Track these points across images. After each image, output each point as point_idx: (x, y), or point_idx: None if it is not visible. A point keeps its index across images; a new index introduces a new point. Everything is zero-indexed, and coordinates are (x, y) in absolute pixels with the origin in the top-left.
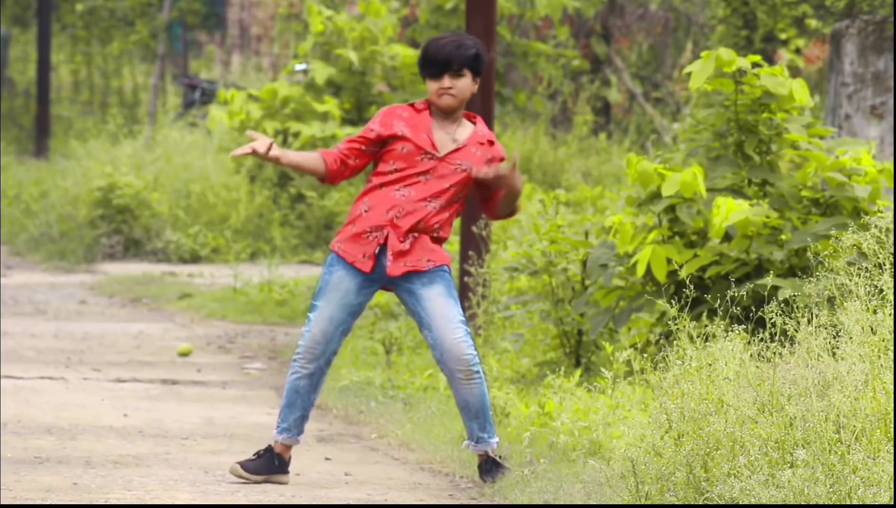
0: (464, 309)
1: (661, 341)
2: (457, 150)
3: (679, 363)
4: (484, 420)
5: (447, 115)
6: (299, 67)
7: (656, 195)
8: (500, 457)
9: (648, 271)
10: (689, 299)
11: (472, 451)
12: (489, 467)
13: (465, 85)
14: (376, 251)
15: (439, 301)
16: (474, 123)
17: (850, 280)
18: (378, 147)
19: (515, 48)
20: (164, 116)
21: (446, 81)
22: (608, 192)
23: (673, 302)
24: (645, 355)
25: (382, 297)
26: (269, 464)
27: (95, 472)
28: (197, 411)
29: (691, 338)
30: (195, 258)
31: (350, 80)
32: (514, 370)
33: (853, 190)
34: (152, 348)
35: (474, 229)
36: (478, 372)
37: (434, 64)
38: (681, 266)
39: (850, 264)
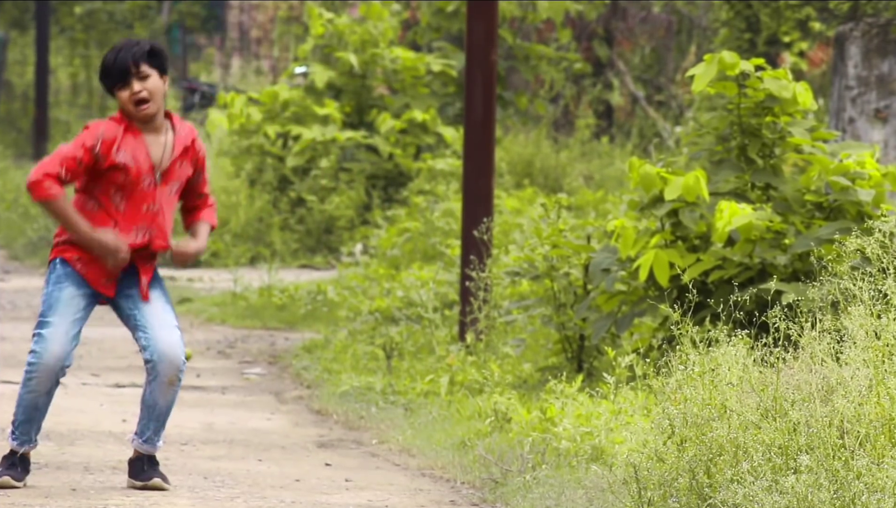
0: (465, 314)
1: (664, 346)
2: (170, 168)
3: (682, 368)
4: (160, 425)
5: (149, 124)
6: (299, 70)
7: (659, 199)
8: (153, 458)
9: (651, 275)
10: (692, 304)
11: (139, 448)
12: (141, 467)
13: (155, 85)
14: (119, 276)
15: (157, 305)
16: (173, 126)
17: (854, 285)
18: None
19: (517, 51)
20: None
21: (136, 86)
22: (610, 196)
23: (676, 307)
24: (647, 360)
25: (383, 302)
26: (19, 462)
27: (94, 478)
28: (196, 416)
29: (694, 343)
30: (194, 263)
31: (351, 83)
32: (515, 375)
33: (857, 194)
34: None
35: (476, 233)
36: (180, 380)
37: (115, 73)
38: (683, 271)
39: (853, 268)
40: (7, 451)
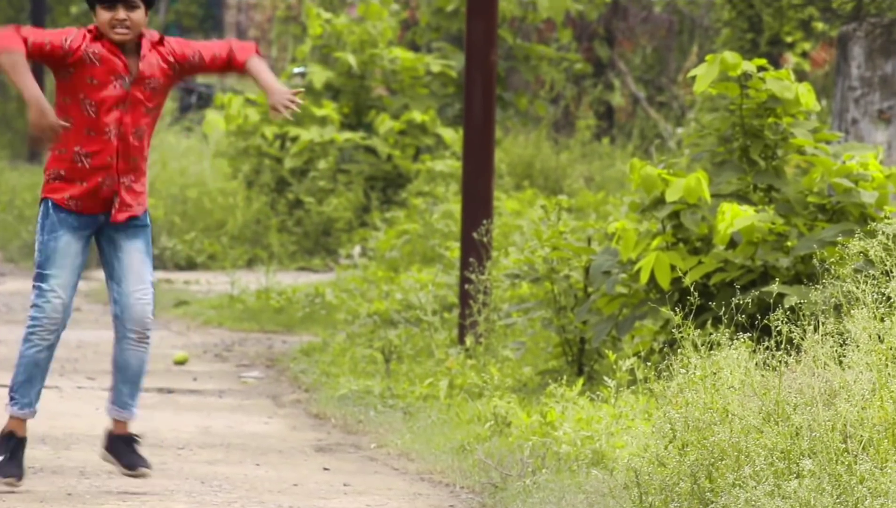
0: (464, 317)
1: (665, 349)
2: (142, 60)
3: (683, 371)
4: (135, 388)
5: (122, 46)
6: (297, 70)
7: (660, 201)
8: (135, 437)
9: (652, 278)
10: (694, 307)
11: (112, 415)
12: (122, 448)
13: (140, 18)
14: (115, 202)
15: (136, 257)
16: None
17: (857, 287)
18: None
19: (517, 51)
20: (160, 120)
21: (121, 13)
22: (611, 197)
23: (677, 310)
24: (648, 363)
25: (381, 304)
26: (14, 450)
27: (90, 482)
28: (193, 420)
29: (695, 346)
30: (191, 265)
31: (349, 83)
32: (515, 378)
33: (860, 196)
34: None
35: (475, 235)
36: (149, 338)
37: None
38: (685, 273)
39: (856, 271)
40: (3, 431)
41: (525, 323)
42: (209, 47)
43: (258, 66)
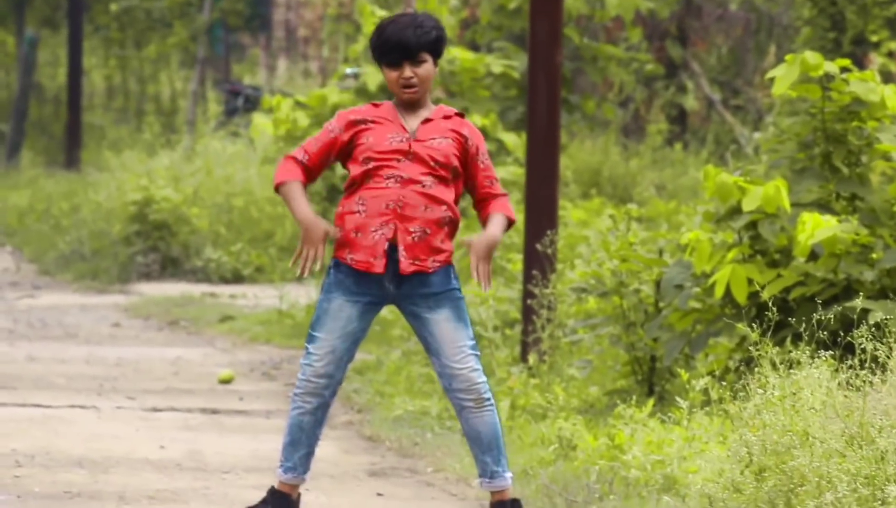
0: (527, 332)
1: (742, 368)
2: (426, 122)
3: (761, 391)
4: (498, 453)
5: (412, 106)
6: (350, 71)
7: (736, 210)
8: (517, 501)
9: (728, 292)
10: (772, 323)
11: (486, 488)
12: None
13: (428, 72)
14: (386, 249)
15: (447, 326)
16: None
17: None
18: (344, 153)
19: (584, 52)
20: (205, 124)
21: (407, 71)
22: (684, 207)
23: (754, 326)
24: (724, 383)
25: None
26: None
27: None
28: (239, 442)
29: (774, 365)
30: (237, 278)
31: None
32: (581, 399)
33: None
34: (191, 374)
35: (539, 246)
36: (489, 400)
37: (391, 51)
38: (763, 287)
39: None
40: (274, 487)
41: (592, 340)
42: (483, 172)
43: (500, 221)
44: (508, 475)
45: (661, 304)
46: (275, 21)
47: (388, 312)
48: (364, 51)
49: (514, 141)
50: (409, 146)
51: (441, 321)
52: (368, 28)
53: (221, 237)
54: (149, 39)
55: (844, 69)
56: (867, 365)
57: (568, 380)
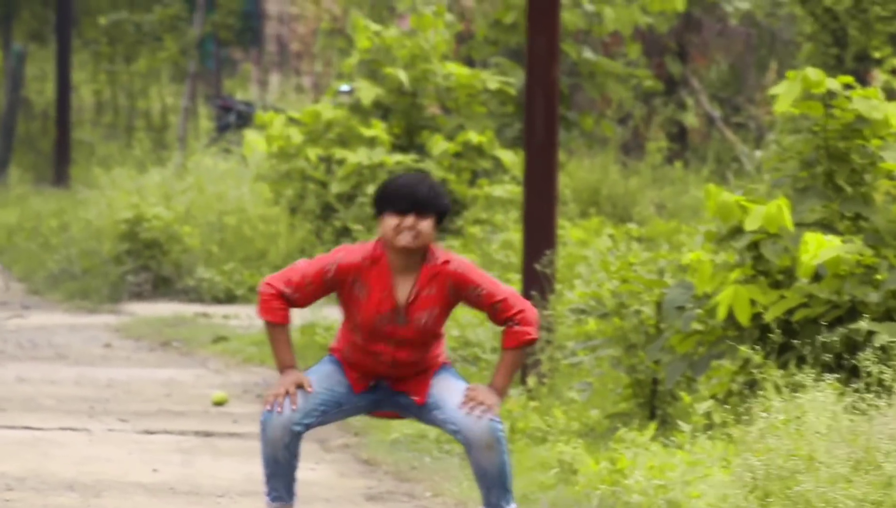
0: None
1: (745, 391)
2: (413, 302)
3: (764, 415)
4: (503, 489)
5: (402, 261)
6: (344, 87)
7: (738, 230)
8: None
9: (730, 313)
10: (776, 346)
11: None
12: None
13: (429, 231)
14: (372, 384)
15: (445, 384)
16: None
17: None
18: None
19: (582, 67)
20: (196, 141)
21: (409, 220)
22: (685, 226)
23: (757, 348)
24: (726, 406)
25: None
26: None
27: None
28: (233, 465)
29: (778, 388)
30: (230, 298)
31: (400, 101)
32: (581, 422)
33: None
34: (184, 396)
35: (537, 266)
36: (498, 439)
37: (398, 201)
38: (766, 309)
39: None
40: None
41: (592, 362)
42: (488, 299)
43: (508, 360)
44: (514, 506)
45: (663, 325)
46: (267, 35)
47: None
48: (358, 66)
49: (511, 158)
50: (396, 329)
51: (438, 383)
52: (361, 43)
53: (214, 256)
54: (138, 54)
55: (847, 86)
56: (873, 388)
57: (568, 403)
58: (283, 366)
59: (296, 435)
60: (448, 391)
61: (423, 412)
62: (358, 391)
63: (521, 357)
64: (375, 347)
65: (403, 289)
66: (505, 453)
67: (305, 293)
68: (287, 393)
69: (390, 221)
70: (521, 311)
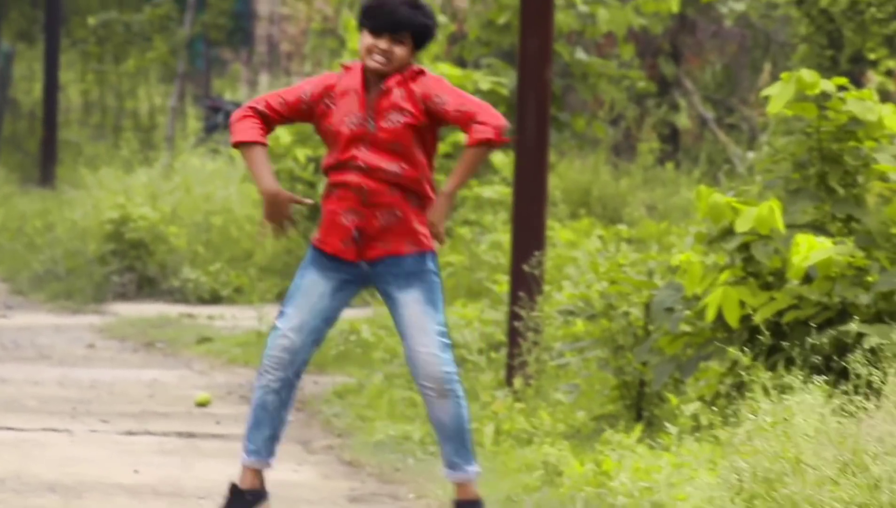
0: (513, 356)
1: (733, 393)
2: (381, 98)
3: (752, 417)
4: (460, 444)
5: (375, 77)
6: None
7: (729, 232)
8: (478, 502)
9: (719, 315)
10: (765, 347)
11: (449, 479)
12: None
13: (403, 55)
14: (354, 236)
15: (416, 308)
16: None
17: None
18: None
19: (574, 68)
20: (184, 141)
21: (383, 44)
22: (675, 227)
23: (746, 350)
24: (714, 408)
25: None
26: (244, 505)
27: None
28: (216, 467)
29: (766, 390)
30: (216, 299)
31: None
32: (568, 424)
33: None
34: (167, 397)
35: (526, 267)
36: (452, 390)
37: (377, 19)
38: (755, 310)
39: None
40: (231, 484)
41: (579, 364)
42: (450, 106)
43: (464, 159)
44: (472, 468)
45: (651, 327)
46: (257, 36)
47: (370, 334)
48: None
49: (502, 159)
50: (366, 133)
51: (410, 302)
52: (353, 43)
53: (200, 257)
54: (127, 54)
55: (841, 88)
56: (861, 391)
57: (554, 405)
58: (268, 189)
59: (292, 374)
60: (417, 324)
61: (394, 317)
62: (350, 258)
63: (478, 157)
64: (347, 176)
65: (374, 93)
66: (462, 407)
67: (280, 109)
68: (282, 225)
69: (365, 39)
70: (485, 113)
